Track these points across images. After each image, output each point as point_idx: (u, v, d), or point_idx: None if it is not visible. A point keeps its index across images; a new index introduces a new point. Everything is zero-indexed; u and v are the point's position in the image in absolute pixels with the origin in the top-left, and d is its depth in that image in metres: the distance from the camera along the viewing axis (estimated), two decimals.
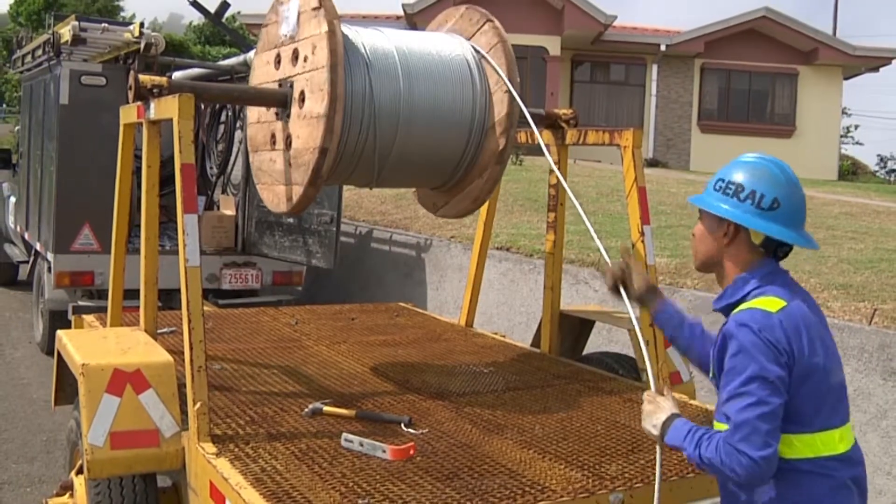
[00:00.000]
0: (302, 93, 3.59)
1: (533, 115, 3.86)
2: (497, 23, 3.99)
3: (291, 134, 3.67)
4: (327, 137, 3.41)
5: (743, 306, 2.38)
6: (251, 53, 4.93)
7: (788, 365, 2.29)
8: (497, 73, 3.85)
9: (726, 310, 2.47)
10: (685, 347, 2.85)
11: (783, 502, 2.36)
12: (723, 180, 2.45)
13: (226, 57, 12.45)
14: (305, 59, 3.59)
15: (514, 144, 4.06)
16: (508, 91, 3.81)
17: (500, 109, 3.87)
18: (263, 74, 4.00)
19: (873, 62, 23.26)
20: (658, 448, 2.52)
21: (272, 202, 3.91)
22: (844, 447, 2.40)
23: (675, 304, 2.91)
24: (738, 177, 2.42)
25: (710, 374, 2.57)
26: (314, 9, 3.54)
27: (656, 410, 2.48)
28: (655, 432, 2.46)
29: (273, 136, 3.85)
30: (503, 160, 3.92)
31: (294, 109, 3.65)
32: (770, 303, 2.34)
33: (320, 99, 3.43)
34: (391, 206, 11.24)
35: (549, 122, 4.52)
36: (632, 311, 2.83)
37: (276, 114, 3.81)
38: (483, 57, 3.95)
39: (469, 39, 4.07)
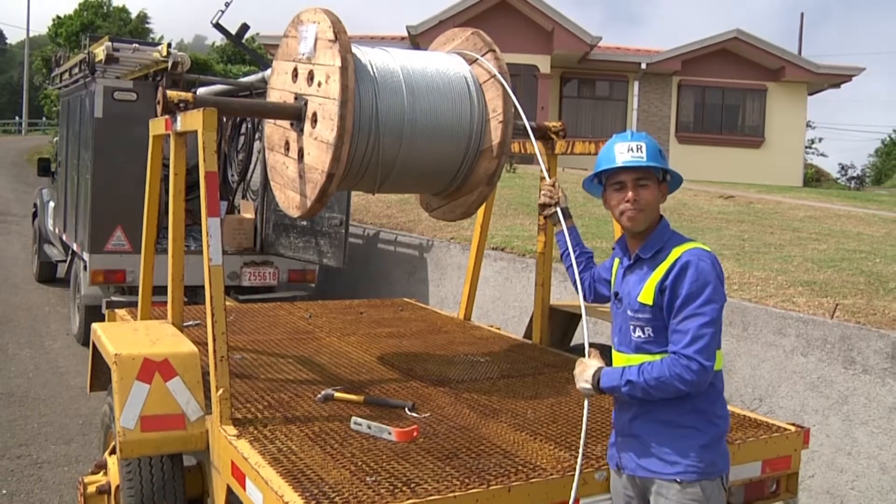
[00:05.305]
0: (315, 114, 3.57)
1: (525, 128, 3.85)
2: (499, 52, 3.94)
3: (303, 148, 3.66)
4: (334, 165, 3.41)
5: (688, 245, 2.53)
6: (269, 71, 4.92)
7: (724, 294, 2.52)
8: (508, 94, 3.83)
9: (654, 255, 2.58)
10: (572, 263, 3.10)
11: (687, 405, 2.49)
12: (655, 147, 2.63)
13: (246, 74, 12.44)
14: (319, 85, 3.56)
15: (509, 154, 4.06)
16: (503, 121, 3.79)
17: (495, 136, 3.86)
18: (281, 82, 3.98)
19: (835, 79, 23.19)
20: (586, 403, 2.65)
21: (284, 204, 3.93)
22: None
23: (578, 231, 3.25)
24: (654, 143, 2.64)
25: (611, 292, 2.79)
26: (330, 40, 3.50)
27: (585, 368, 2.60)
28: (588, 385, 2.56)
29: (287, 143, 3.84)
30: (493, 182, 3.95)
31: (307, 126, 3.64)
32: (706, 245, 2.55)
33: (330, 128, 3.42)
34: (396, 210, 11.23)
35: (541, 134, 4.53)
36: (567, 236, 3.13)
37: (291, 123, 3.80)
38: (494, 78, 3.89)
39: (471, 64, 4.04)
